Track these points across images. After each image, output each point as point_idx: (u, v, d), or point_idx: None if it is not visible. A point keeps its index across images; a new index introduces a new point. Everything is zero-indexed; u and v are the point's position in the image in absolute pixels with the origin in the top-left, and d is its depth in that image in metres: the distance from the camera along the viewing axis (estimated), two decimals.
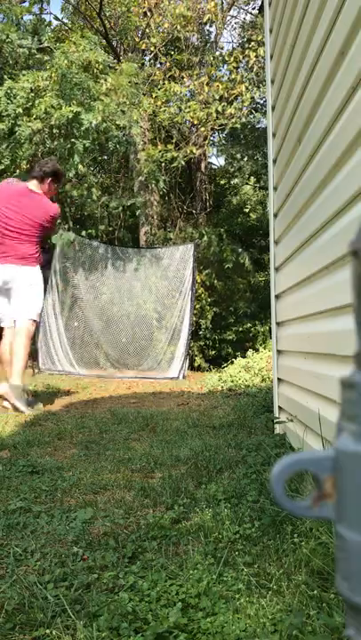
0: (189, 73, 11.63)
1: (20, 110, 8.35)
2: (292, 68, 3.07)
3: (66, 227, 9.91)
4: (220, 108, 10.59)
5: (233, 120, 10.83)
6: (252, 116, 12.17)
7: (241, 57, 11.21)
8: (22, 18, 9.98)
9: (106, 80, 9.11)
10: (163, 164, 10.83)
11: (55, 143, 8.70)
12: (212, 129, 11.06)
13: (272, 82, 3.87)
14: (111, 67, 9.76)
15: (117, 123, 8.93)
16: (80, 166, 9.01)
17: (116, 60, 11.42)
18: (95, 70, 8.96)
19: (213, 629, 1.33)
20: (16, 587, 1.61)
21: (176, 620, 1.35)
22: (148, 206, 11.33)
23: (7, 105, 8.30)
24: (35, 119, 8.37)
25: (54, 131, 8.58)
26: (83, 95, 8.54)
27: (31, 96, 8.41)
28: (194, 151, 10.83)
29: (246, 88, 10.82)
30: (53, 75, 8.42)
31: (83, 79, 8.45)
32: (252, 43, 11.06)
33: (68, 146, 8.68)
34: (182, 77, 11.36)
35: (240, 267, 11.55)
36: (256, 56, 10.85)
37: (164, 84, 10.92)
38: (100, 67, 9.05)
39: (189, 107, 10.68)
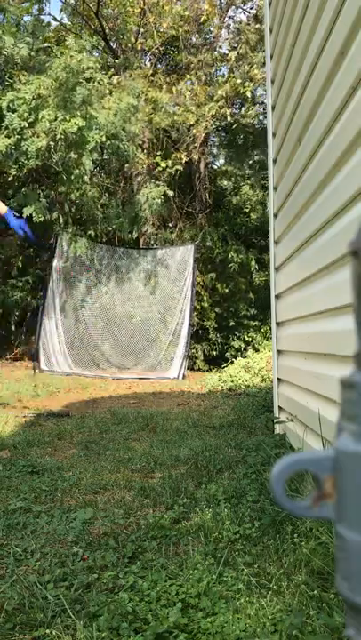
0: (175, 78, 11.59)
1: (26, 124, 8.38)
2: (292, 68, 3.07)
3: (67, 228, 9.91)
4: (213, 110, 10.56)
5: (222, 122, 10.81)
6: (245, 118, 12.11)
7: (234, 59, 11.17)
8: (22, 18, 9.97)
9: (110, 95, 9.17)
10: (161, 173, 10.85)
11: (59, 154, 8.75)
12: (205, 130, 11.02)
13: (272, 82, 3.87)
14: (113, 84, 9.77)
15: (119, 133, 8.99)
16: (86, 177, 9.08)
17: (115, 60, 11.41)
18: (96, 84, 8.96)
19: (213, 629, 1.33)
20: (16, 587, 1.61)
21: (176, 620, 1.35)
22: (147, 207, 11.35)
23: (12, 119, 8.34)
24: (41, 132, 8.41)
25: (59, 144, 8.62)
26: (84, 106, 8.55)
27: (34, 104, 8.43)
28: (182, 157, 10.81)
29: (239, 91, 10.79)
30: (54, 83, 8.43)
31: (83, 92, 8.47)
32: (242, 44, 11.01)
33: (76, 156, 8.71)
34: (168, 83, 11.31)
35: (243, 267, 11.53)
36: (249, 63, 10.82)
37: (149, 90, 10.89)
38: (96, 81, 9.04)
39: (177, 112, 10.67)
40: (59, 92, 8.41)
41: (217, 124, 11.07)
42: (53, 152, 8.64)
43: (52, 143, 8.51)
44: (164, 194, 10.17)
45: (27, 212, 9.06)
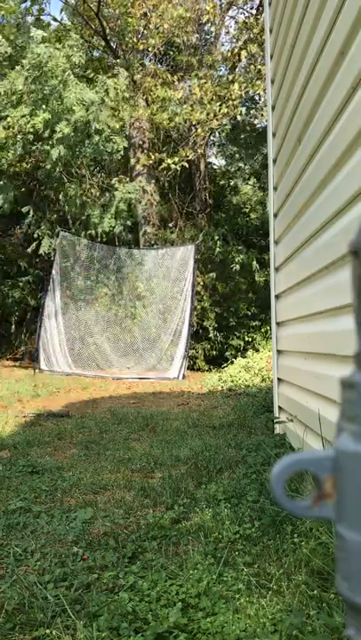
0: (181, 75, 11.58)
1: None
2: (292, 68, 3.07)
3: (40, 225, 10.00)
4: (215, 109, 10.54)
5: (224, 122, 10.79)
6: (245, 116, 12.09)
7: (236, 57, 11.15)
8: (23, 18, 9.97)
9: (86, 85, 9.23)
10: (160, 168, 10.87)
11: (31, 147, 8.83)
12: (210, 129, 11.01)
13: (272, 82, 3.87)
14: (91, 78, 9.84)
15: (102, 128, 9.03)
16: (57, 169, 9.17)
17: (115, 60, 11.41)
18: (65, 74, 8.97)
19: (213, 629, 1.33)
20: (16, 587, 1.61)
21: (176, 620, 1.35)
22: (147, 206, 11.34)
23: None
24: (7, 126, 8.50)
25: (29, 137, 8.70)
26: (54, 98, 8.57)
27: (6, 101, 8.51)
28: (188, 155, 10.81)
29: (239, 89, 10.78)
30: (28, 75, 8.46)
31: (53, 84, 8.51)
32: (243, 43, 11.00)
33: (48, 148, 8.76)
34: (174, 82, 11.29)
35: (243, 267, 11.53)
36: (251, 58, 10.81)
37: (156, 88, 10.87)
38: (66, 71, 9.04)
39: (184, 109, 10.66)
40: (32, 87, 8.48)
41: (227, 126, 11.07)
42: (26, 144, 8.73)
43: (20, 135, 8.60)
44: (143, 188, 10.22)
45: None
